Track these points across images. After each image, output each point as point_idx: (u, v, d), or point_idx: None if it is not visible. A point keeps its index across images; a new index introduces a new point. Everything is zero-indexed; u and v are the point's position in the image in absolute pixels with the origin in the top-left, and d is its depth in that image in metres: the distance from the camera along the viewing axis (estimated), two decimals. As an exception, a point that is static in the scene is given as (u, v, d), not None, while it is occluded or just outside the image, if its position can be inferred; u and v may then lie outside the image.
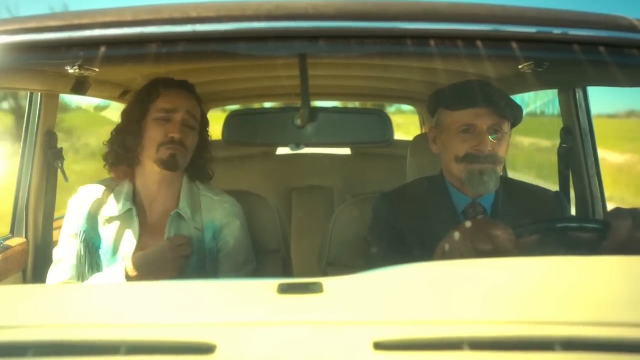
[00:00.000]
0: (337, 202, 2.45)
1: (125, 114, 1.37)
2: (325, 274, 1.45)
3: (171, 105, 1.31)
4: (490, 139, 1.21)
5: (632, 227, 1.02)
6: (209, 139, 1.44)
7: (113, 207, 1.33)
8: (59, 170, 1.59)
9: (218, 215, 1.36)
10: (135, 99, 1.38)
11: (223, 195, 1.41)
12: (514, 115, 1.25)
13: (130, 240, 1.30)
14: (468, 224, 1.04)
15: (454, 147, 1.24)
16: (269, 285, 0.64)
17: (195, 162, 1.38)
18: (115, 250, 1.30)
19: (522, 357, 0.49)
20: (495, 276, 0.71)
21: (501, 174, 1.28)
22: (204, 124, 1.41)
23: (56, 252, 1.36)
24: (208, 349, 0.49)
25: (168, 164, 1.28)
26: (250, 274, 1.37)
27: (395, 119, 2.12)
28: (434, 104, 1.34)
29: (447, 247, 1.04)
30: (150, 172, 1.32)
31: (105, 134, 1.41)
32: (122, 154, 1.34)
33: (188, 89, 1.37)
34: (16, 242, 1.53)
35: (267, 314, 0.58)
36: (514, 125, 1.28)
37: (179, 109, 1.31)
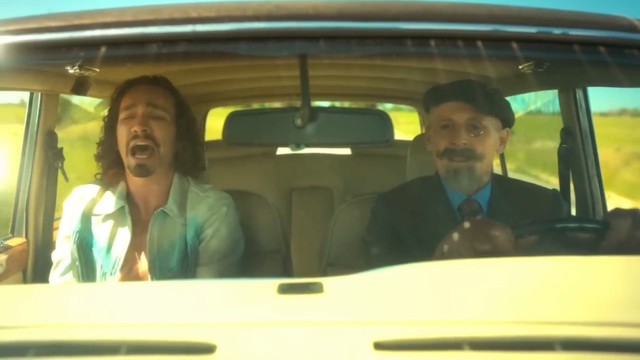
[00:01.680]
0: (337, 202, 2.45)
1: (103, 122, 1.37)
2: (325, 274, 1.46)
3: (131, 101, 1.30)
4: (469, 134, 1.22)
5: (631, 227, 1.03)
6: (194, 128, 1.40)
7: (106, 205, 1.34)
8: (59, 170, 1.60)
9: (201, 210, 1.34)
10: (109, 106, 1.38)
11: (210, 190, 1.38)
12: (498, 111, 1.26)
13: (123, 237, 1.31)
14: (467, 225, 1.04)
15: (436, 142, 1.27)
16: (269, 285, 0.64)
17: (180, 155, 1.36)
18: (109, 248, 1.30)
19: (522, 357, 0.49)
20: (495, 276, 0.71)
21: (488, 170, 1.29)
22: (183, 113, 1.36)
23: (54, 255, 1.36)
24: (208, 349, 0.49)
25: (137, 173, 1.28)
26: (228, 266, 1.35)
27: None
28: (425, 103, 1.36)
29: (445, 247, 1.04)
30: (134, 178, 1.32)
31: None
32: (107, 159, 1.35)
33: (151, 82, 1.35)
34: (16, 242, 1.53)
35: (267, 313, 0.58)
36: (506, 123, 1.29)
37: (138, 103, 1.29)
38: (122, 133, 1.29)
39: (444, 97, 1.26)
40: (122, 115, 1.30)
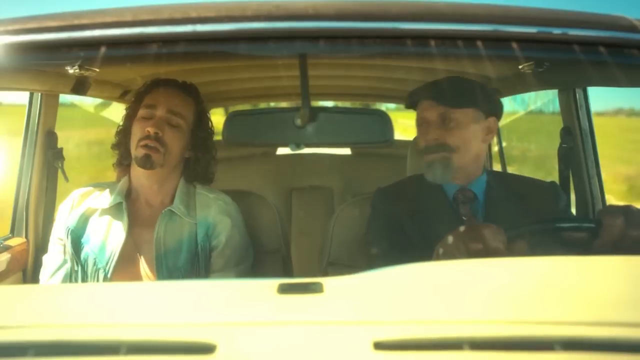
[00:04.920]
0: (337, 202, 2.45)
1: (125, 112, 1.40)
2: (325, 273, 1.45)
3: (153, 101, 1.32)
4: (438, 129, 1.27)
5: (623, 225, 1.02)
6: (210, 140, 1.41)
7: (103, 201, 1.34)
8: (59, 170, 1.60)
9: (212, 212, 1.36)
10: (133, 98, 1.40)
11: (218, 193, 1.40)
12: (472, 103, 1.28)
13: (118, 234, 1.30)
14: (461, 227, 1.05)
15: (418, 141, 1.35)
16: (269, 285, 0.64)
17: (191, 164, 1.38)
18: (103, 244, 1.30)
19: (522, 357, 0.49)
20: (495, 276, 0.71)
21: (476, 160, 1.30)
22: (202, 124, 1.39)
23: (45, 257, 1.37)
24: (208, 349, 0.49)
25: (142, 163, 1.28)
26: (242, 272, 1.37)
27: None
28: (409, 107, 1.42)
29: (441, 250, 1.05)
30: (139, 170, 1.33)
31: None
32: (120, 152, 1.37)
33: (178, 87, 1.37)
34: (16, 242, 1.53)
35: (267, 313, 0.58)
36: (490, 113, 1.31)
37: (160, 105, 1.31)
38: (136, 129, 1.31)
39: (418, 98, 1.34)
40: (141, 112, 1.32)
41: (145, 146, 1.27)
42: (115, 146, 1.38)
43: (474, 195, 1.29)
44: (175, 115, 1.32)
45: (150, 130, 1.27)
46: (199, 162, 1.38)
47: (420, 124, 1.32)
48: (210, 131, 1.42)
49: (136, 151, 1.29)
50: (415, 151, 1.59)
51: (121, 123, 1.38)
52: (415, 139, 1.70)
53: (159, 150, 1.28)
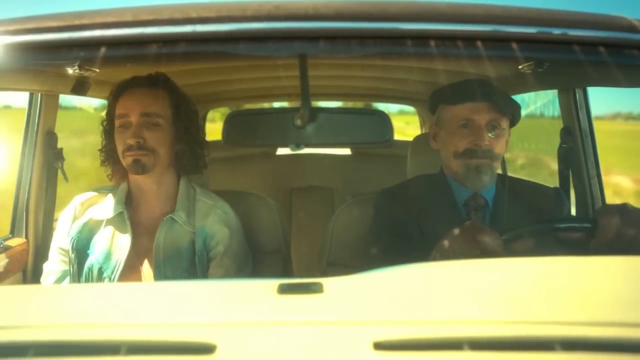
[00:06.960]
0: (337, 202, 2.45)
1: (102, 127, 1.36)
2: (325, 273, 1.45)
3: (124, 110, 1.28)
4: (489, 135, 1.22)
5: (619, 224, 1.02)
6: (194, 126, 1.36)
7: (105, 211, 1.33)
8: (59, 170, 1.60)
9: (209, 221, 1.34)
10: (106, 110, 1.36)
11: (217, 200, 1.38)
12: (512, 111, 1.27)
13: (123, 242, 1.30)
14: (456, 230, 1.04)
15: (454, 142, 1.26)
16: (269, 285, 0.64)
17: (179, 156, 1.34)
18: (109, 253, 1.29)
19: (522, 357, 0.49)
20: (495, 276, 0.71)
21: (498, 170, 1.30)
22: (180, 114, 1.32)
23: (46, 266, 1.36)
24: (208, 349, 0.49)
25: (134, 170, 1.27)
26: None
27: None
28: (434, 101, 1.35)
29: (438, 255, 1.05)
30: (135, 176, 1.32)
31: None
32: (111, 163, 1.35)
33: (145, 84, 1.32)
34: (16, 242, 1.53)
35: (267, 314, 0.58)
36: (512, 123, 1.29)
37: (132, 112, 1.27)
38: (118, 142, 1.29)
39: (464, 97, 1.25)
40: (117, 123, 1.29)
41: (132, 155, 1.26)
42: (103, 163, 1.36)
43: (485, 202, 1.27)
44: (151, 116, 1.27)
45: (131, 141, 1.25)
46: (185, 153, 1.34)
47: (464, 125, 1.24)
48: (191, 116, 1.36)
49: (125, 160, 1.28)
50: (415, 151, 1.58)
51: (102, 139, 1.35)
52: (416, 138, 1.70)
53: (147, 155, 1.26)
